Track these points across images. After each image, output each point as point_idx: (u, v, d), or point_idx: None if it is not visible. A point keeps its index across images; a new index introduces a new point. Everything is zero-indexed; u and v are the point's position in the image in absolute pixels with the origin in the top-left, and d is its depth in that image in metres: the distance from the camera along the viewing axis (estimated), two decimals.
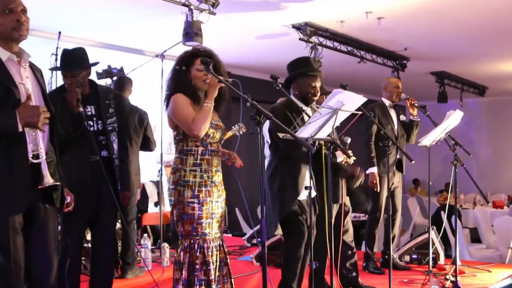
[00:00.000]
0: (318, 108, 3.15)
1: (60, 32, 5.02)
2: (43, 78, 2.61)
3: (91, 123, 3.29)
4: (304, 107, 3.58)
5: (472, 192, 9.91)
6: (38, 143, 2.36)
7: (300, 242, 3.46)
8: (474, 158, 6.30)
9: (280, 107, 3.56)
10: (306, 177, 3.48)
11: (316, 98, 3.63)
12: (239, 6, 5.73)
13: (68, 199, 2.67)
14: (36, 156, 2.35)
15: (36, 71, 2.54)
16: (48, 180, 2.37)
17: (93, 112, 3.31)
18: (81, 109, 3.05)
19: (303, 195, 3.50)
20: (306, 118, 3.54)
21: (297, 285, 3.57)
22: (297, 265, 3.49)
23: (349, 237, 4.18)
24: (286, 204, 3.44)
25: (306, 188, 3.35)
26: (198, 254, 2.81)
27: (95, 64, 3.37)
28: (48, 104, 2.50)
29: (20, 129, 2.28)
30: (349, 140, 4.12)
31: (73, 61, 3.26)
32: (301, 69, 3.63)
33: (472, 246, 6.52)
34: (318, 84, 3.62)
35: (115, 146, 3.35)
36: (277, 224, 3.48)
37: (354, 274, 4.22)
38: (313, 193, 3.48)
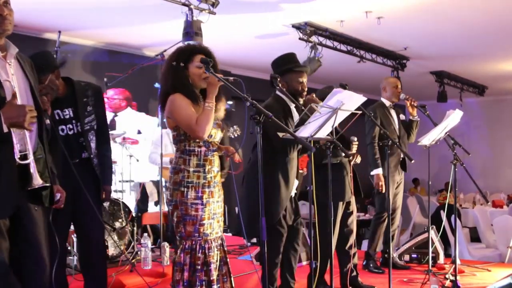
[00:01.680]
0: (317, 107, 3.15)
1: (60, 32, 5.03)
2: (34, 71, 2.50)
3: (70, 126, 3.24)
4: (290, 104, 3.57)
5: (472, 191, 9.94)
6: (25, 143, 2.25)
7: (278, 243, 3.48)
8: (474, 158, 6.32)
9: (275, 105, 3.52)
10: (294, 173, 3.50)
11: (304, 94, 3.59)
12: (239, 6, 5.73)
13: (58, 195, 2.58)
14: (24, 157, 2.24)
15: (24, 64, 2.41)
16: (38, 181, 2.28)
17: (72, 115, 3.24)
18: (48, 121, 2.86)
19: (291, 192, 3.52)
20: (295, 115, 3.55)
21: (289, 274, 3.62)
22: (275, 262, 3.52)
23: (352, 238, 4.19)
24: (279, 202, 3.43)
25: (306, 188, 3.37)
26: (199, 255, 2.79)
27: (63, 63, 3.27)
28: (37, 100, 2.40)
29: (6, 130, 2.16)
30: (355, 139, 4.13)
31: (36, 68, 3.18)
32: (287, 65, 3.61)
33: (471, 246, 6.52)
34: (305, 80, 3.60)
35: (93, 145, 3.30)
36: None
37: (354, 273, 4.22)
38: (293, 192, 3.53)
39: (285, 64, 3.62)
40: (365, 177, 4.74)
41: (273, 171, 3.43)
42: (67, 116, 3.24)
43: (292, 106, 3.57)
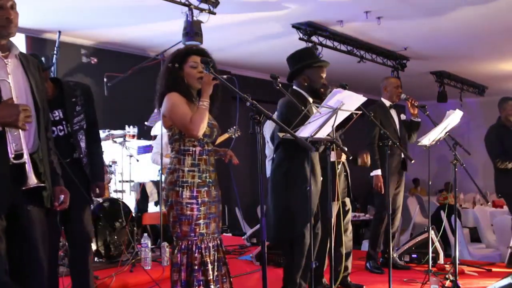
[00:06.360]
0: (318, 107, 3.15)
1: (59, 32, 5.02)
2: (39, 72, 2.49)
3: (61, 127, 3.24)
4: (309, 99, 3.58)
5: (472, 191, 9.91)
6: (21, 142, 2.22)
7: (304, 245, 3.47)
8: (474, 158, 6.29)
9: (293, 99, 3.49)
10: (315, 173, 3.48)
11: (326, 89, 3.56)
12: (239, 6, 5.74)
13: (62, 197, 2.53)
14: (19, 156, 2.22)
15: (27, 65, 2.41)
16: (33, 181, 2.25)
17: (61, 116, 3.24)
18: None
19: None
20: (315, 111, 3.53)
21: (303, 278, 3.58)
22: (301, 261, 3.50)
23: (347, 237, 4.17)
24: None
25: (305, 188, 3.36)
26: (196, 254, 2.78)
27: (50, 66, 3.24)
28: (36, 100, 2.38)
29: None
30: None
31: None
32: (308, 60, 3.59)
33: (471, 246, 6.52)
34: (324, 75, 3.61)
35: (83, 144, 3.29)
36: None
37: (345, 273, 4.21)
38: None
39: (305, 59, 3.60)
40: (363, 177, 4.75)
41: (299, 168, 3.40)
42: (57, 118, 3.23)
43: (311, 100, 3.59)
